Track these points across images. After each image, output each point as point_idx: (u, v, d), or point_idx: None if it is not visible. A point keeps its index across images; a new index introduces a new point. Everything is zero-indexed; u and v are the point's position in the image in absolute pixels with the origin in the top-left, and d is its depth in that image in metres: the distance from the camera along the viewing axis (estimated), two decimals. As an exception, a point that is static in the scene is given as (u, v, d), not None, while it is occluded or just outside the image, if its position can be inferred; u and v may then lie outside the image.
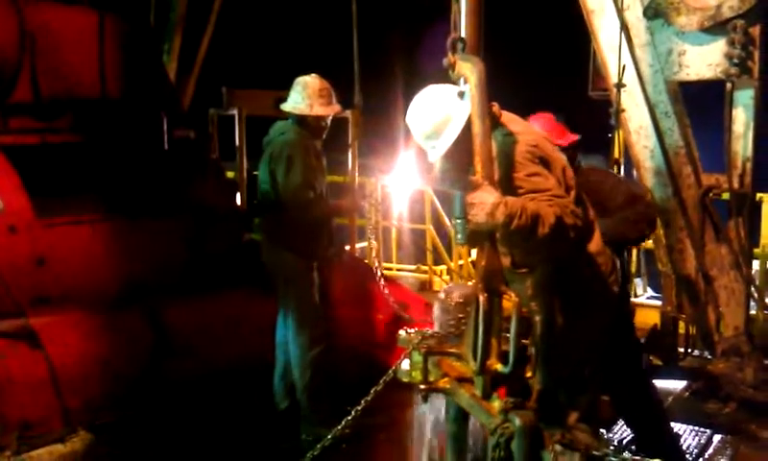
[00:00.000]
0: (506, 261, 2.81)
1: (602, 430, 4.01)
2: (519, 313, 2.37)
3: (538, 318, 2.85)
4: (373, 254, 7.74)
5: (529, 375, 2.48)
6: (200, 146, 5.58)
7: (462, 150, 2.73)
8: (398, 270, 8.42)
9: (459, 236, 2.60)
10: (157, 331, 4.33)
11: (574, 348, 2.91)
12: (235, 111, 6.32)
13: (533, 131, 2.95)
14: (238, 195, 5.92)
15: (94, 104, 4.73)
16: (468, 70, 2.63)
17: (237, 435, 4.30)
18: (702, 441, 4.14)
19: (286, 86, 4.51)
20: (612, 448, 3.92)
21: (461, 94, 2.79)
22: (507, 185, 2.65)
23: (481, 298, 2.39)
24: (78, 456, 3.76)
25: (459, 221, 2.55)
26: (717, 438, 4.14)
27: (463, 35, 2.74)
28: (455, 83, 2.84)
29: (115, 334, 4.14)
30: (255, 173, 4.65)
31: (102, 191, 4.41)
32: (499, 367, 2.42)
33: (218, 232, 4.92)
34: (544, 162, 2.78)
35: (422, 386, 2.65)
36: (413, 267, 8.47)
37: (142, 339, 4.27)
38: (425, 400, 2.73)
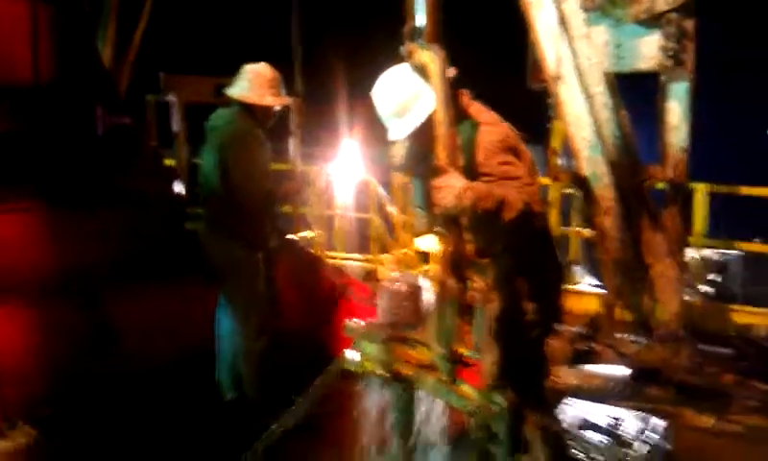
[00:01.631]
0: (470, 249, 2.82)
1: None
2: (483, 298, 2.40)
3: (495, 304, 2.89)
4: (318, 243, 7.75)
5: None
6: (137, 133, 5.44)
7: (427, 134, 2.70)
8: (343, 259, 8.39)
9: (421, 223, 2.60)
10: (97, 322, 4.23)
11: (531, 332, 2.96)
12: (173, 98, 6.19)
13: (502, 122, 2.95)
14: (178, 183, 5.81)
15: (27, 92, 4.57)
16: (429, 59, 2.62)
17: (183, 427, 4.21)
18: (641, 424, 4.23)
19: (225, 73, 4.44)
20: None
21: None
22: (475, 174, 2.66)
23: (448, 283, 2.40)
24: (19, 452, 3.64)
25: (419, 209, 2.55)
26: (656, 421, 4.24)
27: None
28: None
29: (53, 325, 4.02)
30: (196, 161, 4.56)
31: (35, 180, 4.27)
32: (464, 351, 2.44)
33: (157, 221, 4.82)
34: (514, 152, 2.81)
35: (381, 374, 2.66)
36: (358, 256, 8.46)
37: (81, 330, 4.16)
38: (380, 388, 2.73)
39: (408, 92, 2.76)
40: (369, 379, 2.69)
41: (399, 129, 2.80)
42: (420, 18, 2.66)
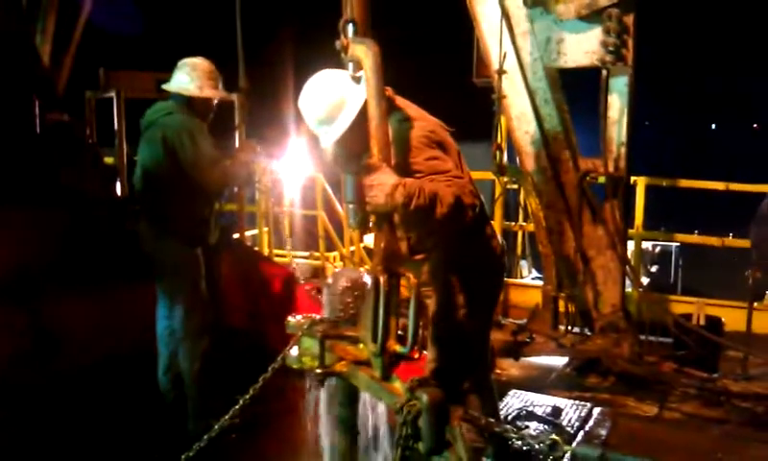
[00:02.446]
0: (403, 247, 2.83)
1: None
2: (417, 295, 2.40)
3: (430, 300, 2.90)
4: (264, 241, 7.68)
5: (416, 355, 2.51)
6: (75, 130, 5.32)
7: (357, 135, 2.70)
8: (291, 256, 8.35)
9: (351, 221, 2.59)
10: (34, 324, 4.12)
11: (468, 326, 2.98)
12: (114, 94, 6.07)
13: (427, 116, 2.95)
14: (118, 181, 5.70)
15: None
16: (363, 53, 2.61)
17: (124, 429, 4.14)
18: (582, 414, 4.31)
19: (167, 69, 4.35)
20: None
21: (356, 79, 2.76)
22: (404, 170, 2.66)
23: (381, 279, 2.40)
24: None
25: (351, 206, 2.54)
26: (597, 411, 4.32)
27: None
28: (346, 66, 2.81)
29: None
30: (136, 158, 4.47)
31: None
32: (398, 348, 2.44)
33: (96, 221, 4.72)
34: (441, 146, 2.82)
35: (319, 370, 2.64)
36: (305, 253, 8.42)
37: (17, 333, 4.05)
38: (321, 384, 2.72)
39: (333, 99, 2.77)
40: (309, 376, 2.67)
41: (328, 135, 2.81)
42: (353, 12, 2.64)
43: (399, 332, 2.48)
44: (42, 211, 4.43)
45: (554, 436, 2.16)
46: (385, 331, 2.39)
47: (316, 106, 2.80)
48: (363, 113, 2.62)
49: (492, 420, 2.40)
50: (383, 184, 2.47)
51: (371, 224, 2.59)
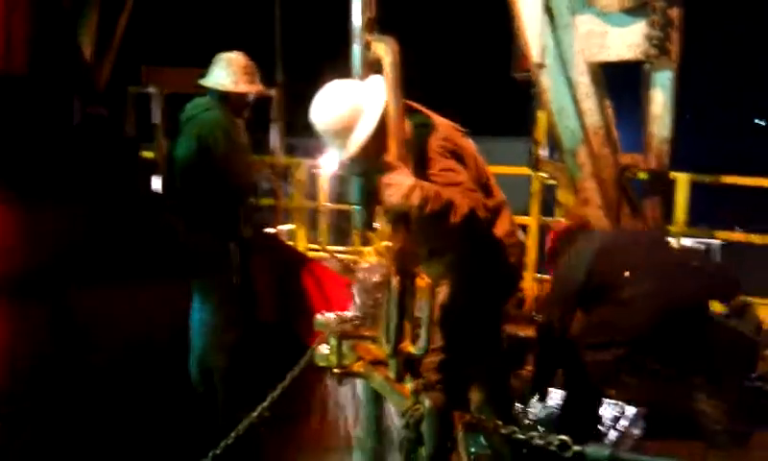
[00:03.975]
0: (422, 250, 2.79)
1: (519, 406, 4.06)
2: (432, 295, 2.36)
3: (442, 294, 2.85)
4: (299, 235, 7.70)
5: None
6: (114, 125, 5.38)
7: (376, 143, 2.61)
8: (325, 251, 8.34)
9: (357, 222, 2.57)
10: (65, 320, 4.16)
11: (474, 324, 2.92)
12: (154, 89, 6.14)
13: (441, 121, 2.88)
14: (156, 175, 5.75)
15: None
16: (383, 51, 2.58)
17: (154, 422, 4.17)
18: (616, 413, 4.22)
19: (207, 64, 4.38)
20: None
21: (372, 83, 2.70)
22: (419, 177, 2.61)
23: (394, 280, 2.36)
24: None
25: (357, 207, 2.52)
26: (631, 409, 4.23)
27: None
28: (371, 63, 2.77)
29: (16, 322, 3.96)
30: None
31: (4, 172, 4.18)
32: (412, 349, 2.40)
33: (131, 215, 4.76)
34: (456, 155, 2.76)
35: (336, 370, 2.63)
36: (340, 248, 8.42)
37: (47, 327, 4.10)
38: (340, 383, 2.70)
39: (348, 110, 2.65)
40: (333, 375, 2.65)
41: (345, 149, 2.67)
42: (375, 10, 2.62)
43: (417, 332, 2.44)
44: (77, 204, 4.47)
45: (563, 436, 2.12)
46: (398, 332, 2.36)
47: (330, 119, 2.67)
48: (382, 122, 2.56)
49: (499, 422, 2.35)
50: (400, 185, 2.43)
51: (374, 224, 2.56)
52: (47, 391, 4.02)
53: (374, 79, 2.70)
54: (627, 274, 3.74)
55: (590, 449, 1.89)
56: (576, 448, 1.99)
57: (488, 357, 3.05)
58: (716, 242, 7.23)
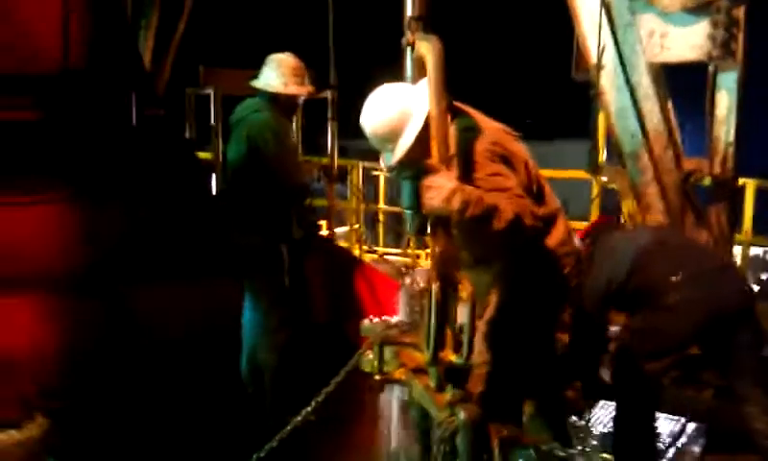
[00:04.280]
0: (466, 256, 2.70)
1: (574, 418, 3.93)
2: (474, 304, 2.28)
3: (490, 307, 2.77)
4: (355, 238, 7.69)
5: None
6: (171, 126, 5.44)
7: (421, 145, 2.57)
8: (383, 254, 8.32)
9: (408, 227, 2.51)
10: (121, 317, 4.23)
11: (523, 337, 2.82)
12: (211, 91, 6.19)
13: (490, 125, 2.80)
14: (212, 177, 5.81)
15: (55, 79, 4.48)
16: (426, 49, 2.52)
17: (204, 420, 4.20)
18: (675, 429, 4.07)
19: (261, 66, 4.39)
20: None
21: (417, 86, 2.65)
22: (465, 182, 2.54)
23: (434, 287, 2.29)
24: (34, 442, 3.67)
25: (408, 212, 2.46)
26: (691, 426, 4.07)
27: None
28: (413, 62, 2.72)
29: (73, 318, 4.03)
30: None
31: (63, 171, 4.24)
32: (453, 358, 2.33)
33: (187, 215, 4.80)
34: (505, 160, 2.67)
35: (377, 377, 2.58)
36: (397, 251, 8.37)
37: (103, 324, 4.16)
38: (381, 390, 2.65)
39: (396, 116, 2.63)
40: (374, 381, 2.61)
41: (394, 154, 2.66)
42: (420, 8, 2.56)
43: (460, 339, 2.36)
44: (134, 204, 4.53)
45: (605, 455, 2.02)
46: (438, 341, 2.29)
47: (379, 125, 2.67)
48: (427, 125, 2.52)
49: (540, 438, 2.26)
50: (441, 187, 2.36)
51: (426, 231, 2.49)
52: (102, 387, 4.08)
53: (425, 82, 2.65)
54: (674, 278, 3.59)
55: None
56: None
57: (537, 370, 2.94)
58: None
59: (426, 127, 2.55)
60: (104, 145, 4.54)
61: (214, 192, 5.81)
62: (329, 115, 6.33)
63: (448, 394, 2.25)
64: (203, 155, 6.45)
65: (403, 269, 6.98)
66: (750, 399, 3.79)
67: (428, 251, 8.02)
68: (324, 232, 6.39)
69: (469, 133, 2.65)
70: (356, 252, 7.45)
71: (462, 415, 2.08)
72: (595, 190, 6.57)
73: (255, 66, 4.59)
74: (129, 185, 4.51)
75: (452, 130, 2.57)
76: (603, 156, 5.96)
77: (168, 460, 3.92)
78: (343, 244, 7.36)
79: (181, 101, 6.56)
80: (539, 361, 2.89)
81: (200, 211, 4.96)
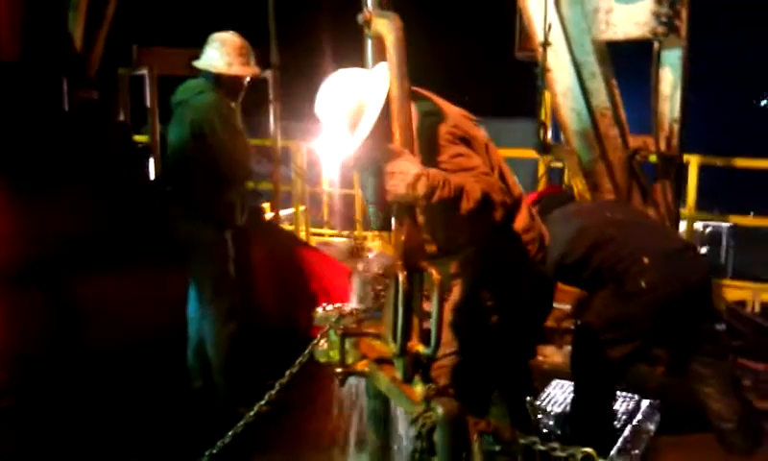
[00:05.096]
0: (431, 248, 2.60)
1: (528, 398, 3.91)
2: (441, 292, 2.18)
3: (455, 293, 2.69)
4: (300, 221, 7.55)
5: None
6: (105, 108, 5.20)
7: (380, 133, 2.44)
8: (329, 236, 8.21)
9: (373, 223, 2.40)
10: (62, 307, 4.04)
11: (491, 321, 2.76)
12: (146, 71, 5.95)
13: (451, 109, 2.71)
14: (149, 160, 5.58)
15: None
16: (385, 28, 2.40)
17: (150, 416, 4.05)
18: (630, 407, 4.08)
19: (200, 45, 4.20)
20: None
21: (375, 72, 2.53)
22: (428, 165, 2.44)
23: (400, 275, 2.18)
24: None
25: (372, 208, 2.35)
26: (645, 403, 4.10)
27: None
28: (371, 39, 2.59)
29: (12, 312, 3.84)
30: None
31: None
32: (421, 348, 2.23)
33: (125, 201, 4.60)
34: (466, 142, 2.58)
35: (339, 370, 2.46)
36: (343, 233, 8.26)
37: (44, 316, 3.98)
38: (342, 384, 2.53)
39: (352, 103, 2.50)
40: (336, 374, 2.49)
41: (352, 141, 2.52)
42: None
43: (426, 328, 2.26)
44: (70, 190, 4.32)
45: (587, 449, 1.97)
46: (405, 331, 2.19)
47: (334, 114, 2.54)
48: (385, 110, 2.40)
49: (518, 431, 2.20)
50: (405, 173, 2.25)
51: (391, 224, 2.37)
52: (44, 382, 3.91)
53: (382, 66, 2.53)
54: (642, 262, 3.57)
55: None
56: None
57: (503, 356, 2.88)
58: (725, 225, 7.08)
59: (384, 115, 2.43)
60: (36, 133, 4.31)
61: (153, 177, 5.60)
62: (271, 96, 6.16)
63: (419, 386, 2.15)
64: (139, 138, 6.21)
65: (353, 252, 6.91)
66: (706, 378, 3.82)
67: (374, 233, 7.96)
68: (269, 215, 6.23)
69: (432, 118, 2.55)
70: (302, 235, 7.30)
71: (440, 410, 1.98)
72: (542, 169, 6.57)
73: (192, 45, 4.40)
74: (64, 173, 4.29)
75: (414, 113, 2.46)
76: (549, 135, 5.96)
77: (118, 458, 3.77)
78: (288, 227, 7.22)
79: (114, 82, 6.29)
80: (504, 347, 2.82)
81: (139, 197, 4.76)
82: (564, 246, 3.67)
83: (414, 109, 2.48)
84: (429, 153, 2.48)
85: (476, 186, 2.39)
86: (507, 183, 2.72)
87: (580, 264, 3.70)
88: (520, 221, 2.76)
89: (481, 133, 2.76)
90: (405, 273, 2.18)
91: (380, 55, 2.54)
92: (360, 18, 2.46)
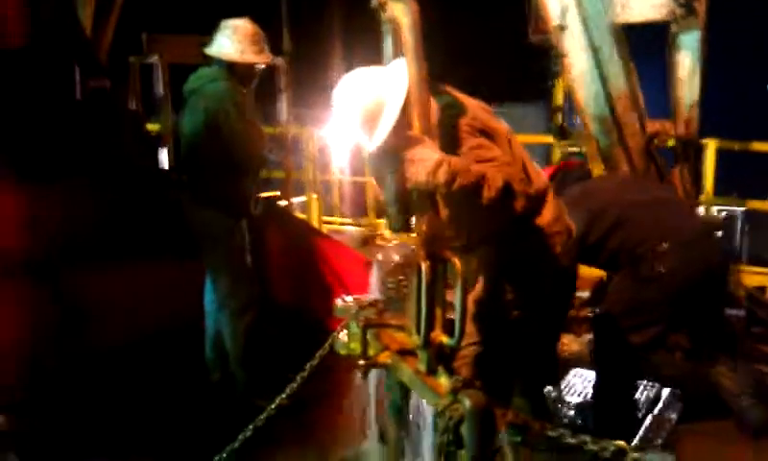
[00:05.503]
0: (453, 243, 2.55)
1: (549, 388, 3.86)
2: (465, 281, 2.14)
3: (478, 285, 2.65)
4: (312, 208, 7.50)
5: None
6: (117, 97, 5.15)
7: (402, 129, 2.38)
8: (341, 224, 8.16)
9: (393, 224, 2.35)
10: (70, 302, 4.00)
11: (513, 314, 2.72)
12: (157, 59, 5.90)
13: (470, 102, 2.67)
14: (162, 149, 5.54)
15: None
16: (401, 12, 2.34)
17: (168, 410, 4.02)
18: (651, 395, 4.04)
19: (211, 32, 4.14)
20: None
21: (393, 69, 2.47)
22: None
23: (423, 266, 2.14)
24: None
25: (392, 208, 2.30)
26: (666, 392, 4.05)
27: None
28: (385, 24, 2.53)
29: (19, 307, 3.79)
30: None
31: (4, 150, 3.98)
32: (445, 339, 2.19)
33: (138, 192, 4.56)
34: (486, 134, 2.54)
35: (361, 362, 2.42)
36: (355, 221, 8.20)
37: (52, 311, 3.94)
38: (365, 376, 2.49)
39: (371, 103, 2.43)
40: (358, 366, 2.45)
41: (372, 139, 2.45)
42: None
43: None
44: (81, 182, 4.27)
45: (620, 442, 1.93)
46: (429, 322, 2.15)
47: (355, 110, 2.47)
48: (404, 107, 2.35)
49: (547, 423, 2.16)
50: (425, 160, 2.21)
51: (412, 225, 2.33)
52: (59, 376, 3.88)
53: (399, 62, 2.47)
54: (662, 247, 3.52)
55: (650, 456, 1.72)
56: (635, 455, 1.80)
57: (526, 349, 2.84)
58: (739, 210, 6.99)
59: (404, 112, 2.38)
60: (48, 123, 4.26)
61: (166, 166, 5.56)
62: (282, 85, 6.10)
63: (443, 378, 2.11)
64: (150, 127, 6.17)
65: (366, 240, 6.85)
66: (719, 358, 3.81)
67: (386, 221, 7.90)
68: (282, 203, 6.19)
69: (451, 110, 2.51)
70: (315, 223, 7.26)
71: (467, 402, 1.94)
72: (556, 155, 6.50)
73: (202, 32, 4.34)
74: (74, 163, 4.24)
75: (434, 107, 2.41)
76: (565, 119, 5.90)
77: (134, 455, 3.74)
78: (300, 215, 7.18)
79: (124, 71, 6.25)
80: (526, 339, 2.78)
81: (153, 187, 4.71)
82: (583, 226, 3.61)
83: (433, 102, 2.43)
84: (449, 145, 2.44)
85: (497, 175, 2.35)
86: (529, 175, 2.67)
87: (599, 245, 3.65)
88: (546, 215, 2.71)
89: (502, 125, 2.72)
90: (428, 263, 2.14)
91: (396, 40, 2.48)
92: (374, 2, 2.40)
